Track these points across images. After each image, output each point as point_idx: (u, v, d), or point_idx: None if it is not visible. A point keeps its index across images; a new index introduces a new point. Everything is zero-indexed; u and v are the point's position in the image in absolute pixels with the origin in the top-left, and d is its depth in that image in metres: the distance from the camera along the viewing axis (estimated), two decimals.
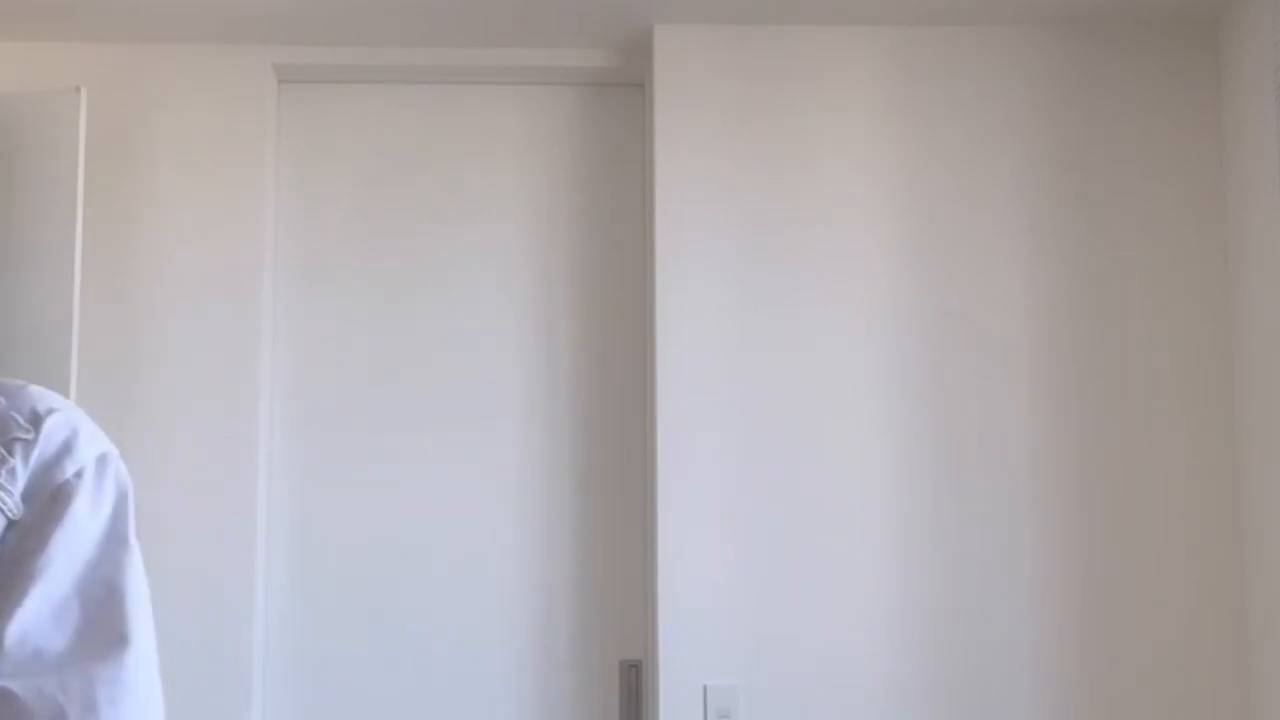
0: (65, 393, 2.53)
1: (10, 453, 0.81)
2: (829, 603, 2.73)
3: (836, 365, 2.79)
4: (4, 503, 0.80)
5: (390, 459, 2.90)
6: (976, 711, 2.71)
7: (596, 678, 2.88)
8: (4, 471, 0.80)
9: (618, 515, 2.92)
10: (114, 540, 0.84)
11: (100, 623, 0.81)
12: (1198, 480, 2.77)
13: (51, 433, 0.83)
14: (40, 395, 0.86)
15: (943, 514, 2.76)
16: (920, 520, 2.75)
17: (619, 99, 3.03)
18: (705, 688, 2.69)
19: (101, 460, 0.85)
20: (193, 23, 2.83)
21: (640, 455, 2.91)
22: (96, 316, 2.75)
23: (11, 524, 0.80)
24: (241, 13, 2.81)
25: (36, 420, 0.83)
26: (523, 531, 2.90)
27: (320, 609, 2.87)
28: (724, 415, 2.76)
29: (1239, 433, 2.75)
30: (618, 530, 2.92)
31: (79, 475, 0.83)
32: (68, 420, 0.85)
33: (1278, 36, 2.57)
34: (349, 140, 3.01)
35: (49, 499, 0.81)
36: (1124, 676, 2.72)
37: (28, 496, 0.81)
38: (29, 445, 0.82)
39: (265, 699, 2.83)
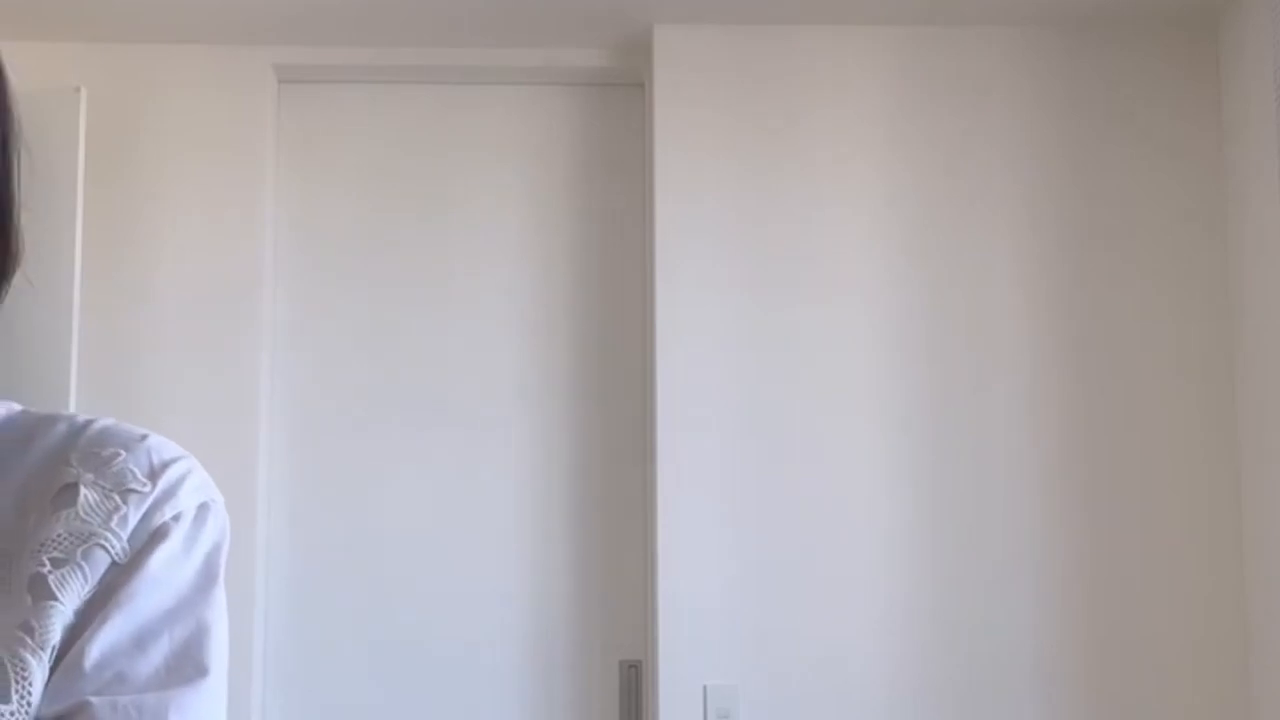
0: (65, 392, 2.54)
1: (125, 502, 0.84)
2: (829, 603, 2.73)
3: (837, 365, 2.79)
4: (113, 546, 0.83)
5: (389, 458, 2.90)
6: (976, 711, 2.71)
7: (596, 678, 2.88)
8: (116, 518, 0.83)
9: (617, 515, 2.92)
10: (205, 579, 0.87)
11: (185, 655, 0.84)
12: (1199, 482, 2.77)
13: (164, 484, 0.87)
14: (158, 447, 0.89)
15: (943, 514, 2.76)
16: (920, 520, 2.75)
17: (619, 99, 3.03)
18: (705, 688, 2.69)
19: (202, 508, 0.89)
20: (193, 23, 2.83)
21: (640, 455, 2.91)
22: (96, 316, 2.75)
23: (115, 565, 0.84)
24: (241, 13, 2.81)
25: (153, 475, 0.87)
26: (522, 532, 2.90)
27: (319, 609, 2.87)
28: (724, 415, 2.76)
29: (1240, 433, 2.75)
30: (618, 530, 2.91)
31: (177, 519, 0.86)
32: (180, 470, 0.88)
33: (1278, 36, 2.57)
34: (349, 140, 3.00)
35: (146, 539, 0.84)
36: (1124, 675, 2.72)
37: (131, 539, 0.84)
38: (143, 497, 0.85)
39: (265, 699, 2.83)
